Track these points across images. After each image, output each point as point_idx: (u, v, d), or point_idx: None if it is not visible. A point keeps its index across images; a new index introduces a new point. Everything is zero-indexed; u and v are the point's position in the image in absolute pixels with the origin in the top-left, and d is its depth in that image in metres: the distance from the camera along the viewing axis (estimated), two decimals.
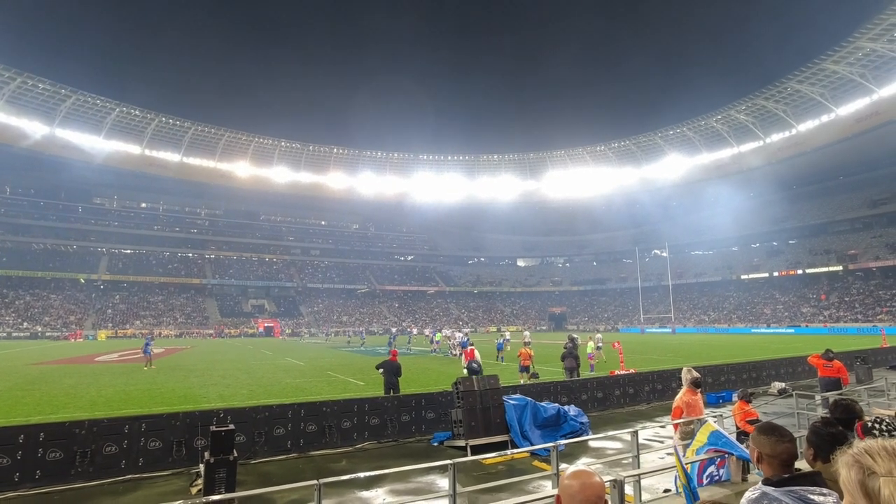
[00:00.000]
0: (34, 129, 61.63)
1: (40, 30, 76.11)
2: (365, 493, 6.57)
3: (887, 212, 63.21)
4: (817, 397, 9.75)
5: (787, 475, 1.82)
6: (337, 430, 8.71)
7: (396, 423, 9.32)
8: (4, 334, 53.50)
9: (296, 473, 7.37)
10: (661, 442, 8.88)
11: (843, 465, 1.01)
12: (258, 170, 79.70)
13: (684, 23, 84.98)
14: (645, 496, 4.69)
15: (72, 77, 62.34)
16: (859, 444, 1.01)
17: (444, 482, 7.03)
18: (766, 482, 1.79)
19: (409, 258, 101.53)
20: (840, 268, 61.67)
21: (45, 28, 76.45)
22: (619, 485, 3.42)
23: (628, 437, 6.68)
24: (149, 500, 6.32)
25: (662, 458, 7.56)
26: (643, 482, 4.78)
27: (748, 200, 77.53)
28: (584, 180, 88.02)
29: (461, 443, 8.32)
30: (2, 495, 6.28)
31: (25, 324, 57.14)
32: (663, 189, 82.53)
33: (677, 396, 6.20)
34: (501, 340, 29.33)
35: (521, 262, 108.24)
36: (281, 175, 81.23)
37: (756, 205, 77.07)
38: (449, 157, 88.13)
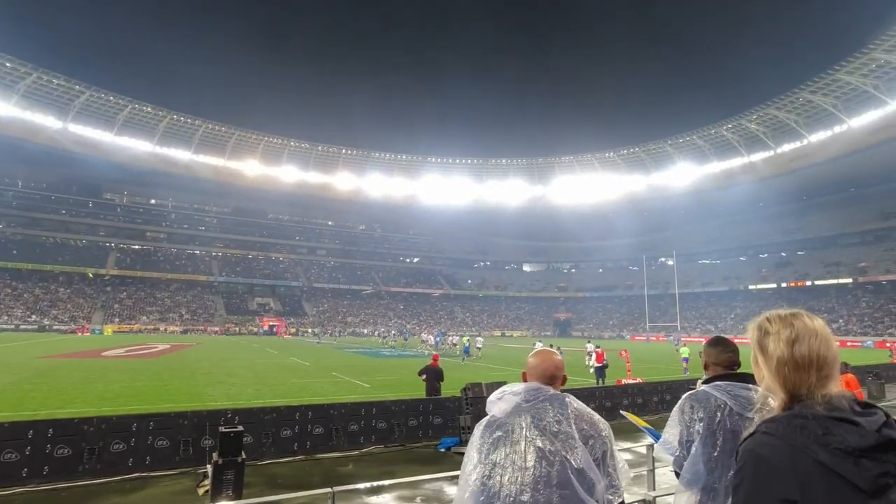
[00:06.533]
0: (48, 124, 62.35)
1: (54, 25, 77.00)
2: (373, 499, 6.50)
3: None
4: None
5: (719, 375, 2.23)
6: (344, 434, 8.65)
7: (404, 427, 9.25)
8: (12, 326, 53.92)
9: (303, 476, 7.31)
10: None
11: (750, 327, 1.26)
12: (267, 169, 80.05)
13: (694, 31, 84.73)
14: None
15: (86, 73, 62.91)
16: (765, 312, 1.25)
17: (452, 489, 6.95)
18: (704, 382, 2.24)
19: (415, 260, 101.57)
20: (850, 280, 61.10)
21: (58, 24, 77.30)
22: None
23: (642, 451, 6.58)
24: (156, 499, 6.29)
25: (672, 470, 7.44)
26: (659, 500, 4.69)
27: (757, 210, 77.09)
28: (592, 186, 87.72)
29: None
30: (9, 490, 6.27)
31: (34, 316, 57.57)
32: (672, 197, 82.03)
33: None
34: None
35: (527, 267, 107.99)
36: (289, 174, 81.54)
37: (765, 215, 76.60)
38: (457, 161, 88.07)
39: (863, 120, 57.97)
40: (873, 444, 0.96)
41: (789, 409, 1.10)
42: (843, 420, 1.01)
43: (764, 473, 1.00)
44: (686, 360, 21.47)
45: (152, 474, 7.04)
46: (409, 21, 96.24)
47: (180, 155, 73.65)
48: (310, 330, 67.47)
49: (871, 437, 0.97)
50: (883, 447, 0.96)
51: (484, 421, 1.84)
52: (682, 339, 42.23)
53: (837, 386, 1.12)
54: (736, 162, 73.20)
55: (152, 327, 61.10)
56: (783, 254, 74.43)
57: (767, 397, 1.19)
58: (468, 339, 32.24)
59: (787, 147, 67.33)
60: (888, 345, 38.23)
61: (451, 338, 39.41)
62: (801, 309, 1.22)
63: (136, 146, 69.71)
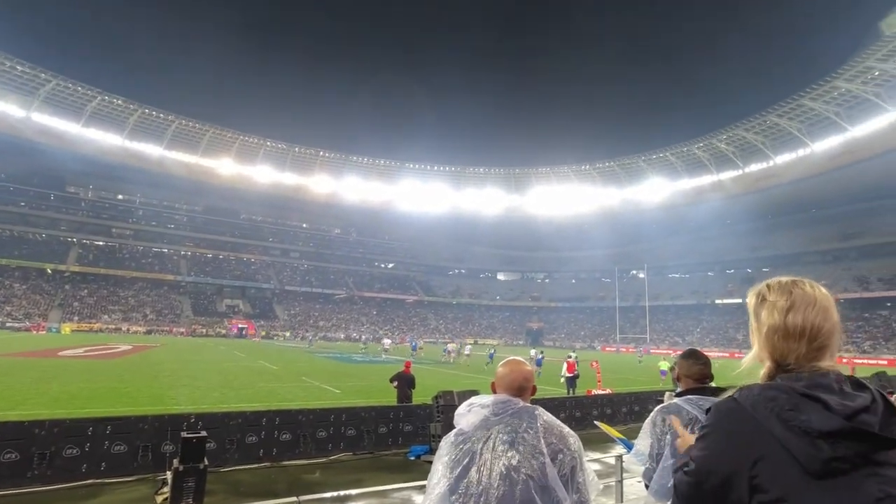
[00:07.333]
0: (10, 112, 59.90)
1: (20, 10, 74.19)
2: None
3: (857, 245, 65.41)
4: None
5: (691, 388, 2.33)
6: (312, 440, 8.46)
7: (373, 434, 9.11)
8: None
9: (268, 483, 7.10)
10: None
11: (749, 293, 1.24)
12: (241, 168, 78.63)
13: (671, 52, 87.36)
14: None
15: (53, 61, 60.67)
16: (767, 280, 1.20)
17: (421, 499, 6.85)
18: (676, 395, 2.32)
19: (390, 266, 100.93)
20: None
21: (24, 9, 74.52)
22: None
23: (610, 461, 6.63)
24: None
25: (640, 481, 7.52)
26: None
27: (725, 227, 79.42)
28: (567, 198, 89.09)
29: None
30: None
31: None
32: (644, 211, 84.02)
33: None
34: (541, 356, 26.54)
35: (501, 276, 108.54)
36: (264, 175, 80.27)
37: (733, 232, 78.93)
38: (435, 168, 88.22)
39: (825, 144, 60.57)
40: (837, 430, 0.91)
41: (774, 379, 1.06)
42: (814, 399, 0.96)
43: (724, 437, 1.00)
44: (664, 372, 21.76)
45: (108, 481, 6.73)
46: (393, 26, 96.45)
47: (151, 150, 71.67)
48: (287, 333, 66.27)
49: (836, 422, 0.91)
50: (848, 434, 0.90)
51: (451, 434, 1.81)
52: (653, 350, 42.98)
53: (833, 358, 1.05)
54: (706, 179, 75.49)
55: (114, 327, 58.97)
56: (749, 270, 76.69)
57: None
58: (491, 347, 33.41)
59: (754, 167, 69.80)
60: (845, 360, 39.78)
61: (448, 344, 38.65)
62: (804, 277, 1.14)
63: (104, 139, 67.52)
